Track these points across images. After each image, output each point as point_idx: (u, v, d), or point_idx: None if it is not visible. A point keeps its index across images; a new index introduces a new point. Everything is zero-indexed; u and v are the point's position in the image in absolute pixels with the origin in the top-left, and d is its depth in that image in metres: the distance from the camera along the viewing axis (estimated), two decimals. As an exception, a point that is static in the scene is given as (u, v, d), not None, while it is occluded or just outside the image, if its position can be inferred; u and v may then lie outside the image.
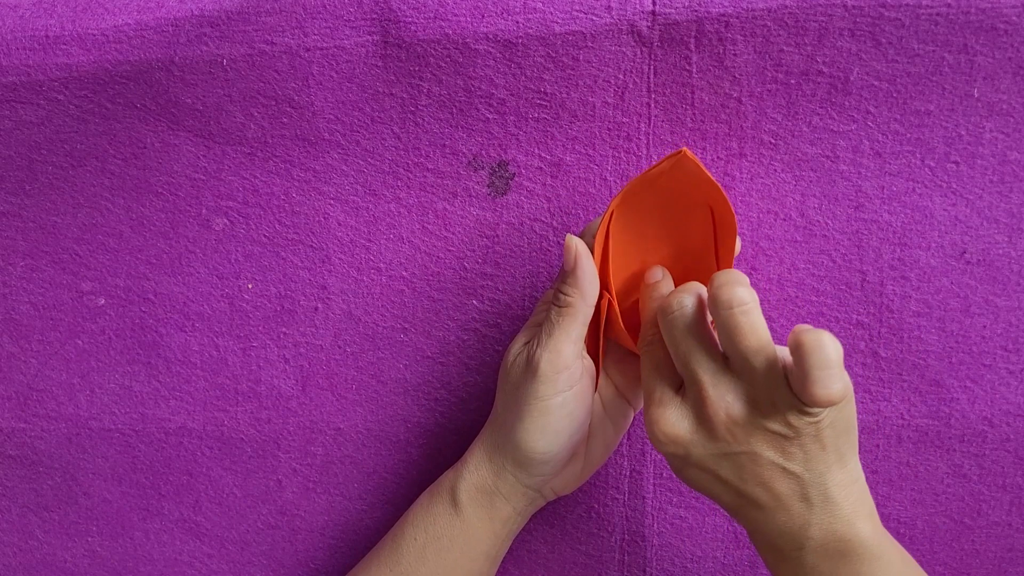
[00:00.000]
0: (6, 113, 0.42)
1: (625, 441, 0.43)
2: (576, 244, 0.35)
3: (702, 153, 0.40)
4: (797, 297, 0.41)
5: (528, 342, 0.37)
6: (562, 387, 0.35)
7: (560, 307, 0.35)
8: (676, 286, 0.36)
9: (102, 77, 0.41)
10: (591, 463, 0.39)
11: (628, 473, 0.44)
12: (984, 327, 0.40)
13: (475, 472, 0.38)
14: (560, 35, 0.38)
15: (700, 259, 0.37)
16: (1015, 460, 0.41)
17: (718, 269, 0.36)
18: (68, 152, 0.43)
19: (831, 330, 0.41)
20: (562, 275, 0.36)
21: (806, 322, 0.41)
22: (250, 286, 0.44)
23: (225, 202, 0.44)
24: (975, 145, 0.38)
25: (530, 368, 0.36)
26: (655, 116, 0.40)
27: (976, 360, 0.40)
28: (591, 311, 0.35)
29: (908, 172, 0.39)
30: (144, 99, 0.42)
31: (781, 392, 0.31)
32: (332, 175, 0.43)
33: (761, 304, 0.40)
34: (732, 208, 0.35)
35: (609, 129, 0.40)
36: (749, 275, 0.41)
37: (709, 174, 0.34)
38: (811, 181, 0.40)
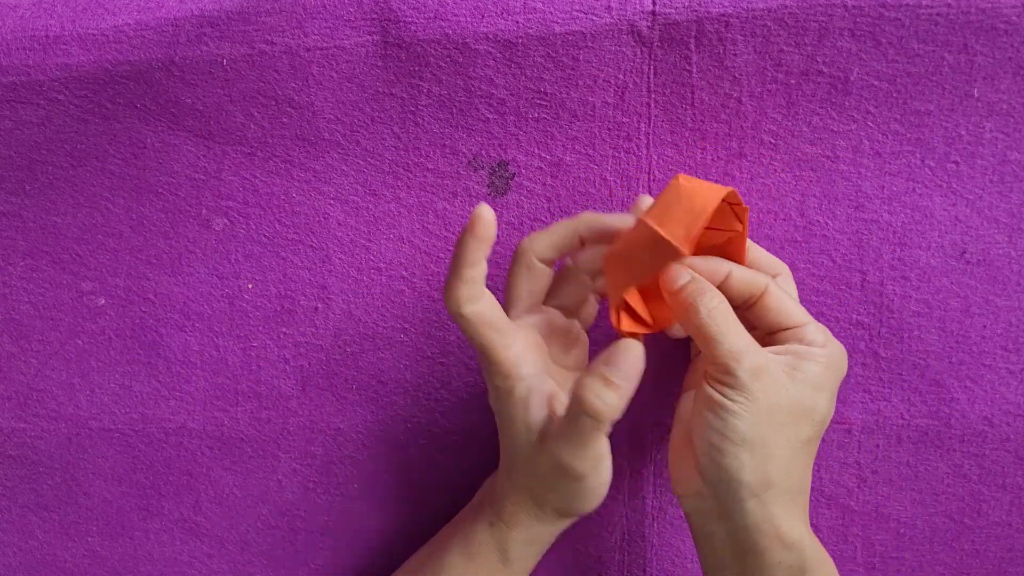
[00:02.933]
0: (6, 113, 0.42)
1: (624, 442, 0.43)
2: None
3: (702, 153, 0.40)
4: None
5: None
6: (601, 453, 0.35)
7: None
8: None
9: (102, 77, 0.41)
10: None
11: (628, 473, 0.44)
12: (984, 327, 0.40)
13: (527, 531, 0.37)
14: (560, 35, 0.38)
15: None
16: (1015, 460, 0.41)
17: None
18: (68, 152, 0.43)
19: (831, 330, 0.41)
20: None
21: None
22: (250, 286, 0.44)
23: (225, 202, 0.44)
24: (975, 145, 0.38)
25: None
26: (655, 116, 0.40)
27: (976, 360, 0.40)
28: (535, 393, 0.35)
29: (908, 172, 0.39)
30: (144, 99, 0.42)
31: None
32: (332, 175, 0.43)
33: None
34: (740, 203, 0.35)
35: (609, 129, 0.40)
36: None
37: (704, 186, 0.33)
38: (811, 181, 0.40)
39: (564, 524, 0.38)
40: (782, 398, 0.33)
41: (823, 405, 0.34)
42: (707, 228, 0.36)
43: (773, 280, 0.35)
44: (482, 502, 0.40)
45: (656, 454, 0.43)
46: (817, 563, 0.35)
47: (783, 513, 0.34)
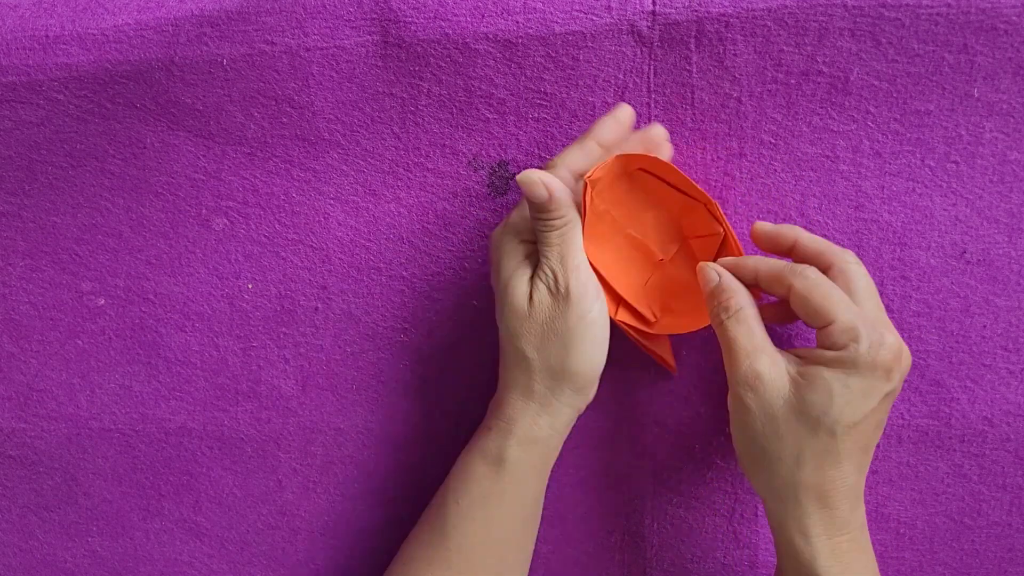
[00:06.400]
0: (6, 113, 0.42)
1: (624, 440, 0.43)
2: (539, 176, 0.35)
3: (702, 153, 0.40)
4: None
5: (533, 276, 0.37)
6: (595, 295, 0.36)
7: (558, 229, 0.36)
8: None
9: (102, 77, 0.41)
10: None
11: (628, 473, 0.44)
12: (984, 327, 0.40)
13: (530, 427, 0.37)
14: (560, 35, 0.38)
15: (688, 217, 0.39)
16: (1015, 460, 0.41)
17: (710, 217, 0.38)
18: (68, 152, 0.43)
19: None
20: (538, 208, 0.35)
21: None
22: (250, 286, 0.44)
23: (225, 202, 0.44)
24: (975, 145, 0.38)
25: (560, 295, 0.36)
26: (655, 116, 0.40)
27: (976, 360, 0.40)
28: (580, 218, 0.36)
29: (908, 172, 0.39)
30: (144, 99, 0.42)
31: None
32: (332, 175, 0.43)
33: (762, 305, 0.41)
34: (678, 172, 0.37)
35: (609, 129, 0.40)
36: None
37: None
38: (811, 181, 0.40)
39: (570, 413, 0.38)
40: (779, 408, 0.33)
41: (836, 412, 0.32)
42: (695, 238, 0.39)
43: (799, 276, 0.34)
44: (477, 433, 0.40)
45: (656, 454, 0.43)
46: None
47: (792, 522, 0.34)
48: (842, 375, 0.32)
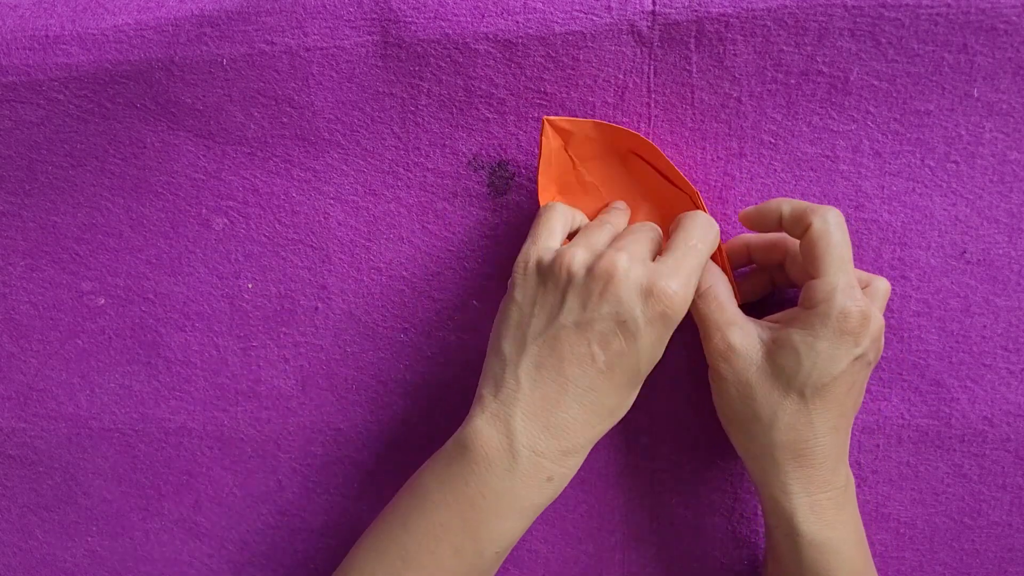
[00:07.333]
0: (6, 113, 0.42)
1: (623, 440, 0.43)
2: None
3: (702, 153, 0.40)
4: (796, 297, 0.41)
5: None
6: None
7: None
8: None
9: (102, 77, 0.41)
10: None
11: (628, 473, 0.44)
12: (984, 327, 0.40)
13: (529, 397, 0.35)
14: (560, 35, 0.38)
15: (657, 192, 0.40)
16: (1015, 460, 0.41)
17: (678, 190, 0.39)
18: (68, 152, 0.43)
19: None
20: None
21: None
22: (250, 286, 0.44)
23: (225, 202, 0.44)
24: (975, 145, 0.38)
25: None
26: (655, 116, 0.40)
27: (976, 360, 0.40)
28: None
29: (908, 172, 0.39)
30: (144, 99, 0.42)
31: None
32: (332, 175, 0.43)
33: (761, 305, 0.41)
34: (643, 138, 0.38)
35: (609, 129, 0.40)
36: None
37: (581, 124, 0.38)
38: (811, 181, 0.40)
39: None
40: (752, 375, 0.35)
41: (804, 375, 0.34)
42: None
43: (819, 217, 0.34)
44: (458, 438, 0.36)
45: (656, 454, 0.43)
46: (813, 546, 0.35)
47: (773, 480, 0.35)
48: (809, 338, 0.33)
